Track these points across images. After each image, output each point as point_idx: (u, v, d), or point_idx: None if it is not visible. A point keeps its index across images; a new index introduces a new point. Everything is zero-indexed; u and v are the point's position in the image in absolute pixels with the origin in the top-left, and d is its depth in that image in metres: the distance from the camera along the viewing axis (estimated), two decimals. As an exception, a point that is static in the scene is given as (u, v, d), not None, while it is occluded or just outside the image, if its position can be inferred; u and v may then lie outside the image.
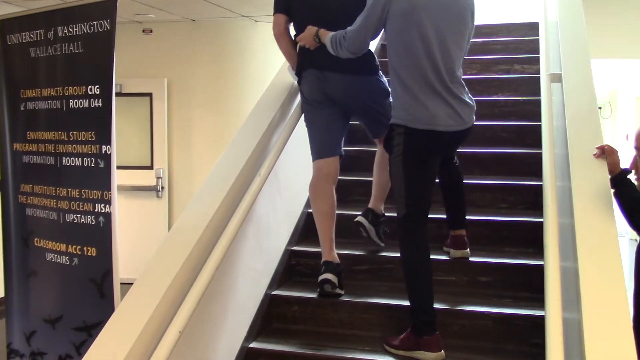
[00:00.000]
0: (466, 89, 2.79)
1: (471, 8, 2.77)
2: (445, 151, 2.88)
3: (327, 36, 2.85)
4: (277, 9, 3.10)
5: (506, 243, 3.25)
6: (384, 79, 3.10)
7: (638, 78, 8.85)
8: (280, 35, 3.13)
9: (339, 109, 3.08)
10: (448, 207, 3.12)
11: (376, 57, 3.14)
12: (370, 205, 3.28)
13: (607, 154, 2.45)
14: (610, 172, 2.42)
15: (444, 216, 3.15)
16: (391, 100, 2.84)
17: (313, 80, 3.03)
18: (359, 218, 3.27)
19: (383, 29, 2.74)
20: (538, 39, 3.85)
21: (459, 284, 3.03)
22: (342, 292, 3.01)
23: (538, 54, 3.68)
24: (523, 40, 4.95)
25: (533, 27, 4.79)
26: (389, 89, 3.01)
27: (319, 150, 3.10)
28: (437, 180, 3.07)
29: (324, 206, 3.05)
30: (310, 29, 2.95)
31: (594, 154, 2.47)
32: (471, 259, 3.09)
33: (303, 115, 3.17)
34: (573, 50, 3.31)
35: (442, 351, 2.59)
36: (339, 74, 2.96)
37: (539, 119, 3.09)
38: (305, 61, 3.06)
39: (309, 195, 3.17)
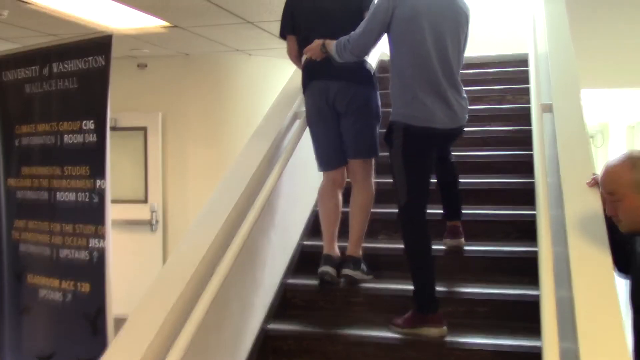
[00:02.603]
0: (463, 89, 2.96)
1: (466, 14, 2.97)
2: (441, 146, 3.08)
3: (333, 43, 3.00)
4: (285, 30, 3.33)
5: (501, 273, 3.25)
6: (379, 102, 3.24)
7: (629, 107, 8.94)
8: (295, 59, 3.37)
9: (338, 123, 3.21)
10: (444, 200, 3.27)
11: (376, 76, 3.26)
12: (348, 253, 3.22)
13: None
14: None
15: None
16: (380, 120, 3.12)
17: (317, 93, 3.19)
18: (345, 271, 3.16)
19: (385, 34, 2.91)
20: (528, 70, 3.90)
21: (456, 315, 3.01)
22: (340, 281, 3.15)
23: (529, 84, 3.72)
24: (514, 71, 5.01)
25: (523, 59, 4.84)
26: (380, 115, 3.22)
27: (324, 164, 3.29)
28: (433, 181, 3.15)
29: (329, 204, 3.24)
30: (317, 42, 3.08)
31: (588, 182, 2.46)
32: (467, 289, 3.09)
33: (308, 128, 3.32)
34: (563, 80, 3.35)
35: (445, 327, 2.79)
36: (339, 81, 3.12)
37: (531, 149, 3.11)
38: (310, 74, 3.21)
39: (317, 197, 3.32)
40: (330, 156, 3.26)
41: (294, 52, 3.35)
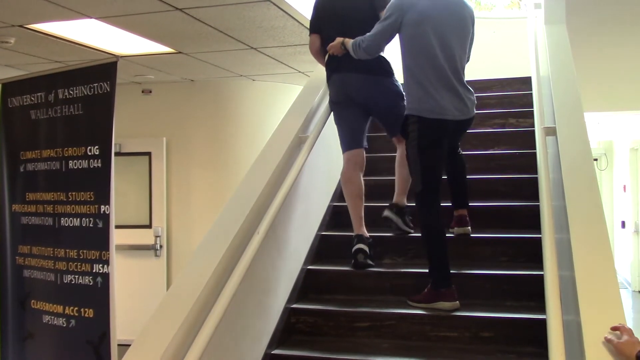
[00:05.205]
0: (467, 84, 3.24)
1: (471, 16, 3.30)
2: (452, 137, 3.31)
3: (350, 42, 3.36)
4: (312, 30, 3.74)
5: (507, 297, 3.22)
6: (399, 83, 3.56)
7: (631, 129, 8.96)
8: (317, 53, 3.75)
9: (360, 109, 3.59)
10: (452, 190, 3.50)
11: (391, 64, 3.55)
12: (394, 201, 3.67)
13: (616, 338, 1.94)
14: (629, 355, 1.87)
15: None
16: (405, 100, 3.32)
17: (337, 84, 3.58)
18: (385, 213, 3.66)
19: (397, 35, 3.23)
20: (531, 93, 3.91)
21: (461, 340, 2.99)
22: (373, 264, 3.43)
23: (532, 107, 3.73)
24: (517, 94, 5.03)
25: (526, 82, 4.87)
26: (403, 92, 3.46)
27: (348, 143, 3.62)
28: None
29: (353, 189, 3.55)
30: (338, 39, 3.46)
31: (605, 337, 1.96)
32: (473, 314, 3.06)
33: (332, 115, 3.70)
34: (565, 104, 3.36)
35: (457, 301, 3.04)
36: (356, 73, 3.47)
37: (536, 172, 3.11)
38: (332, 68, 3.59)
39: (341, 181, 3.64)
40: (351, 138, 3.59)
41: (315, 48, 3.73)
